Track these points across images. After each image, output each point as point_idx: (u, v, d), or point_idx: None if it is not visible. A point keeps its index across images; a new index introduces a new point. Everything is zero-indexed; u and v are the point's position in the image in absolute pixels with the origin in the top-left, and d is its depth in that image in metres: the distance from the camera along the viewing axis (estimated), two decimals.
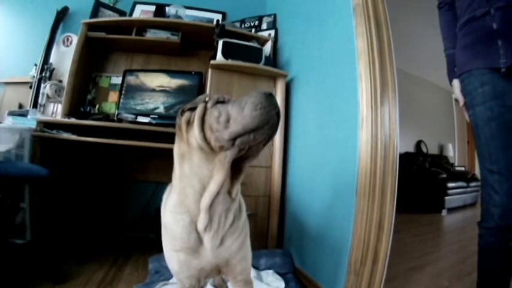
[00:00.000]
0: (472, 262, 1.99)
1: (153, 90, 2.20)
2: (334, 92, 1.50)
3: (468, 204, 4.64)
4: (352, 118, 1.28)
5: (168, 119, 2.10)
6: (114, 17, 2.32)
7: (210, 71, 1.87)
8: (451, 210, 4.12)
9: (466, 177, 4.72)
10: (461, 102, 1.28)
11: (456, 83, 1.30)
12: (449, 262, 2.03)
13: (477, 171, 6.06)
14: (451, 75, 1.33)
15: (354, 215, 1.23)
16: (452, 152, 5.56)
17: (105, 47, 2.38)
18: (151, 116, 2.12)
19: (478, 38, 1.16)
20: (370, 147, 1.19)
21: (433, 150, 5.23)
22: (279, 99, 1.95)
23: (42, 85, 2.23)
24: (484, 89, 1.12)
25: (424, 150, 4.93)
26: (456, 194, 4.25)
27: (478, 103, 1.14)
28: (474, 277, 1.70)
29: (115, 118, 2.17)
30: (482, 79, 1.14)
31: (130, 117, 2.08)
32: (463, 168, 5.70)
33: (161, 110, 2.16)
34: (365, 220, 1.19)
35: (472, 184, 4.72)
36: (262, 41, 2.24)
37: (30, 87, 2.25)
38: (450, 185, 4.13)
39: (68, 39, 2.43)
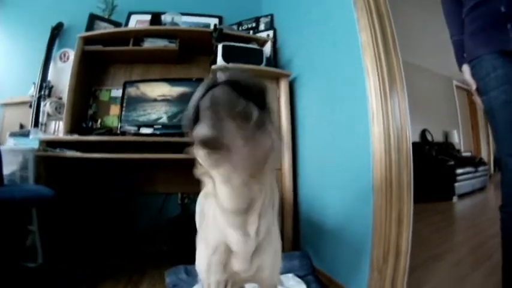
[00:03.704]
0: (489, 246, 1.99)
1: (155, 100, 2.17)
2: (340, 87, 1.47)
3: (477, 189, 4.62)
4: (362, 113, 1.26)
5: (171, 128, 2.07)
6: (110, 29, 2.29)
7: (211, 76, 1.84)
8: (461, 196, 4.09)
9: (473, 162, 4.69)
10: (474, 87, 1.25)
11: (466, 68, 1.27)
12: (467, 248, 2.00)
13: (484, 155, 6.05)
14: (460, 61, 1.31)
15: (372, 211, 1.21)
16: (457, 138, 5.51)
17: (103, 60, 2.35)
18: (154, 126, 2.09)
19: (487, 22, 1.14)
20: (383, 141, 1.17)
21: (438, 138, 5.18)
22: (283, 99, 1.93)
23: (42, 103, 2.20)
24: (497, 73, 1.10)
25: (430, 138, 4.89)
26: (465, 180, 4.22)
27: (492, 88, 1.11)
28: (494, 261, 1.70)
29: (118, 131, 2.15)
30: (494, 63, 1.11)
31: (133, 129, 2.05)
32: (469, 154, 5.67)
33: (164, 119, 2.13)
34: (384, 216, 1.17)
35: (480, 169, 4.70)
36: (262, 42, 2.21)
37: (30, 106, 2.23)
38: (459, 171, 4.09)
39: (64, 55, 2.41)
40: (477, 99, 1.27)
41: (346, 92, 1.42)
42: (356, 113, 1.32)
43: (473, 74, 1.22)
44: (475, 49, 1.19)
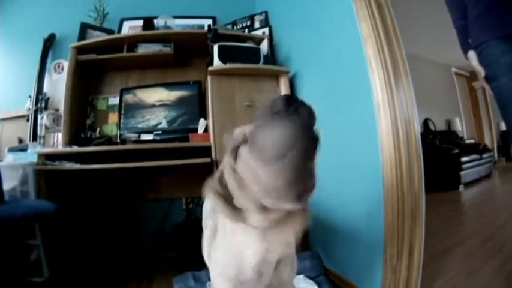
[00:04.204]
0: (499, 238, 1.96)
1: (153, 105, 2.15)
2: (343, 81, 1.43)
3: (483, 176, 4.55)
4: (367, 107, 1.22)
5: (172, 133, 2.05)
6: (103, 37, 2.25)
7: (209, 78, 1.81)
8: (467, 184, 4.04)
9: (478, 149, 4.64)
10: (482, 74, 1.20)
11: (472, 54, 1.22)
12: (477, 240, 1.96)
13: (487, 142, 6.00)
14: (465, 47, 1.26)
15: (383, 208, 1.17)
16: (460, 126, 5.47)
17: (98, 69, 2.32)
18: (154, 132, 2.06)
19: (493, 4, 1.09)
20: (392, 135, 1.13)
21: (440, 126, 5.14)
22: None
23: (39, 116, 2.18)
24: (506, 58, 1.05)
25: (432, 127, 4.83)
26: (471, 168, 4.17)
27: (502, 74, 1.07)
28: (504, 253, 1.68)
29: (117, 140, 2.12)
30: (502, 48, 1.07)
31: (134, 136, 2.02)
32: (473, 141, 5.61)
33: (164, 125, 2.10)
34: (396, 212, 1.13)
35: (485, 155, 4.64)
36: (258, 40, 2.17)
37: (28, 120, 2.20)
38: (464, 159, 4.05)
39: (59, 66, 2.39)
40: (486, 87, 1.22)
41: (350, 85, 1.38)
42: (361, 107, 1.28)
43: (481, 61, 1.18)
44: (481, 34, 1.14)
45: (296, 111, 0.47)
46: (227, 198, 0.53)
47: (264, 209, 0.49)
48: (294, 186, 0.47)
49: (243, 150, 0.50)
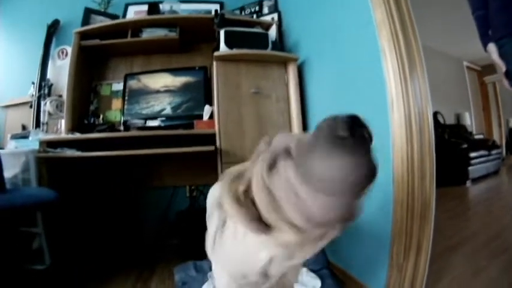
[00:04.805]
0: (505, 237, 1.93)
1: (157, 91, 2.11)
2: (354, 71, 1.37)
3: (491, 173, 4.48)
4: (380, 98, 1.16)
5: (176, 119, 2.02)
6: (107, 22, 2.20)
7: (214, 63, 1.76)
8: (475, 180, 3.99)
9: (486, 145, 4.54)
10: (503, 69, 1.13)
11: (493, 47, 1.15)
12: (483, 239, 1.93)
13: (496, 138, 5.89)
14: (485, 39, 1.19)
15: (392, 204, 1.13)
16: (469, 121, 5.36)
17: (102, 54, 2.29)
18: (158, 118, 2.04)
19: None
20: (404, 127, 1.07)
21: (449, 120, 5.04)
22: (292, 86, 1.83)
23: (42, 103, 2.15)
24: None
25: (441, 121, 4.73)
26: (479, 164, 4.10)
27: None
28: (510, 253, 1.65)
29: (120, 126, 2.09)
30: None
31: (140, 122, 1.99)
32: (481, 136, 5.50)
33: (168, 111, 2.07)
34: (405, 209, 1.09)
35: (494, 152, 4.55)
36: (266, 26, 2.10)
37: (31, 106, 2.19)
38: (472, 154, 3.98)
39: (63, 52, 2.35)
40: (505, 82, 1.15)
41: (361, 75, 1.32)
42: (373, 97, 1.23)
43: (502, 55, 1.11)
44: (503, 27, 1.07)
45: (361, 139, 0.40)
46: (249, 209, 0.48)
47: (297, 228, 0.44)
48: (343, 220, 0.42)
49: (287, 168, 0.43)
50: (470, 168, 3.91)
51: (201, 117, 1.94)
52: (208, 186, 0.97)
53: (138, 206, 2.27)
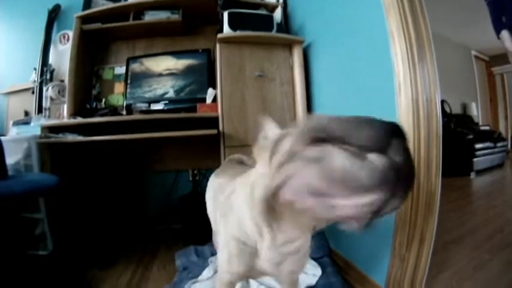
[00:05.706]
0: (508, 231, 1.90)
1: (160, 74, 2.09)
2: (361, 54, 1.32)
3: (496, 165, 4.43)
4: (387, 82, 1.12)
5: (179, 103, 2.01)
6: (108, 5, 2.16)
7: (218, 46, 1.72)
8: (479, 172, 3.95)
9: (492, 137, 4.46)
10: None
11: (506, 34, 1.10)
12: (486, 232, 1.91)
13: (502, 130, 5.80)
14: (498, 26, 1.14)
15: None
16: (476, 111, 5.28)
17: (104, 38, 2.26)
18: (161, 102, 2.02)
19: None
20: (412, 114, 1.03)
21: (456, 109, 4.95)
22: (297, 68, 1.79)
23: (44, 88, 2.14)
24: None
25: (448, 110, 4.65)
26: (484, 155, 4.05)
27: None
28: None
29: (123, 110, 2.08)
30: None
31: (143, 106, 1.97)
32: (487, 128, 5.43)
33: (171, 94, 2.05)
34: (410, 199, 1.06)
35: (499, 144, 4.49)
36: (271, 8, 2.06)
37: (33, 92, 2.19)
38: (478, 146, 3.92)
39: (64, 37, 2.34)
40: None
41: (368, 58, 1.27)
42: (380, 83, 1.19)
43: None
44: None
45: (398, 154, 0.35)
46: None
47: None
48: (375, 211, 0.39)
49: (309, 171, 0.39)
50: (475, 159, 3.86)
51: (204, 100, 1.92)
52: (211, 170, 0.96)
53: (141, 191, 2.27)
